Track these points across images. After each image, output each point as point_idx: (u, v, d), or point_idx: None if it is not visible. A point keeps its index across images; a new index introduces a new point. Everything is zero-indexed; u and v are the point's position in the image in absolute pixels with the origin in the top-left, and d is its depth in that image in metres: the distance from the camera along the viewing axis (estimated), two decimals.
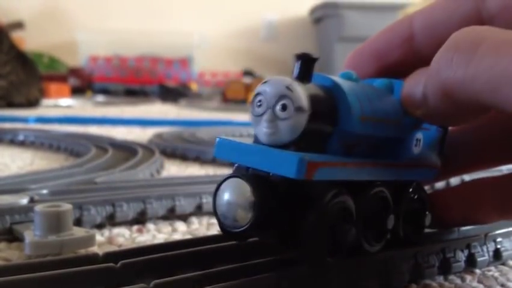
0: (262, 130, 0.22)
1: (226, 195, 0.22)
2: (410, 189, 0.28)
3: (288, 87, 0.21)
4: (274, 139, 0.22)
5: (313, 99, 0.22)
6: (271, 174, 0.22)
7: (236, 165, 0.24)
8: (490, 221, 0.30)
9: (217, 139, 0.23)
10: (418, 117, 0.25)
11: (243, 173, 0.23)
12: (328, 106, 0.23)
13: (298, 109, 0.21)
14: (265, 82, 0.22)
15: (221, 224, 0.23)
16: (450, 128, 0.29)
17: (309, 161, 0.20)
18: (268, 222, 0.22)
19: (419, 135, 0.27)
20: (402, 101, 0.26)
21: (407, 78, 0.26)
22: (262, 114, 0.22)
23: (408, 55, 0.27)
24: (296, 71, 0.22)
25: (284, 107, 0.21)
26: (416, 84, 0.24)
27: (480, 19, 0.25)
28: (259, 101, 0.22)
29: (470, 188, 0.30)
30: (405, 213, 0.27)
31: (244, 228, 0.22)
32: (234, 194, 0.22)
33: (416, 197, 0.28)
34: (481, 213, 0.29)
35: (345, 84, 0.24)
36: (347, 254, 0.24)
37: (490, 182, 0.29)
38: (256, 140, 0.23)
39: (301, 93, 0.21)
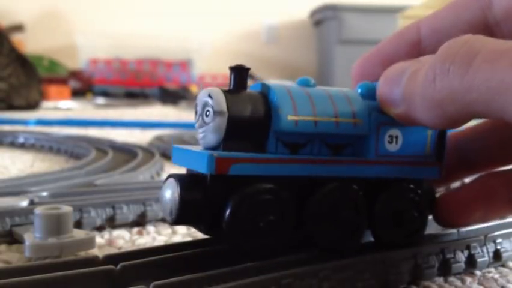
0: (198, 136, 0.25)
1: (163, 193, 0.25)
2: (397, 190, 0.28)
3: (209, 95, 0.24)
4: (205, 142, 0.25)
5: (234, 103, 0.24)
6: (200, 173, 0.24)
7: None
8: (500, 216, 0.30)
9: (173, 147, 0.27)
10: (392, 116, 0.25)
11: (179, 173, 0.26)
12: (254, 108, 0.25)
13: (217, 113, 0.24)
14: (199, 92, 0.25)
15: (164, 216, 0.26)
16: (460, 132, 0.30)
17: (218, 157, 0.23)
18: (196, 216, 0.24)
19: (395, 131, 0.27)
20: (379, 100, 0.25)
21: (383, 74, 0.25)
22: (197, 121, 0.25)
23: None
24: (231, 81, 0.25)
25: (208, 113, 0.24)
26: (394, 83, 0.24)
27: (486, 25, 0.25)
28: (196, 110, 0.25)
29: (484, 184, 0.30)
30: (386, 214, 0.28)
31: (174, 219, 0.24)
32: (168, 191, 0.25)
33: (407, 197, 0.28)
34: (498, 207, 0.29)
35: (277, 88, 0.25)
36: (275, 247, 0.25)
37: (504, 176, 0.29)
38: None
39: (220, 98, 0.24)
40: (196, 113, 0.25)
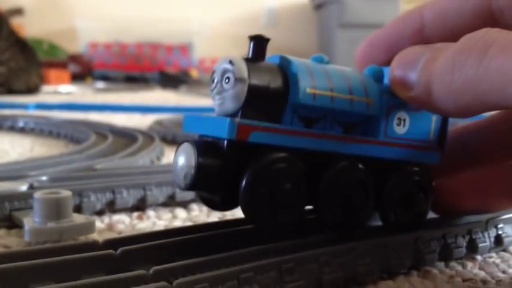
0: (215, 102, 0.25)
1: (177, 158, 0.25)
2: (405, 172, 0.28)
3: (230, 62, 0.24)
4: (223, 109, 0.25)
5: (256, 72, 0.24)
6: (218, 139, 0.24)
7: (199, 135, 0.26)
8: (501, 208, 0.30)
9: (185, 115, 0.26)
10: (404, 99, 0.25)
11: (194, 138, 0.25)
12: (274, 79, 0.25)
13: (238, 80, 0.24)
14: (218, 61, 0.25)
15: (175, 182, 0.25)
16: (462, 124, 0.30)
17: (240, 123, 0.23)
18: (212, 181, 0.24)
19: (403, 114, 0.27)
20: (391, 82, 0.26)
21: (397, 56, 0.25)
22: (214, 88, 0.25)
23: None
24: (249, 50, 0.25)
25: (228, 79, 0.24)
26: (410, 66, 0.24)
27: (490, 13, 0.25)
28: (213, 77, 0.25)
29: (481, 175, 0.30)
30: (396, 197, 0.28)
31: (188, 185, 0.24)
32: (182, 156, 0.25)
33: (413, 180, 0.28)
34: (492, 200, 0.29)
35: (296, 60, 0.25)
36: (296, 218, 0.25)
37: (501, 169, 0.30)
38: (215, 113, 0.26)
39: (242, 66, 0.24)
40: (213, 80, 0.25)
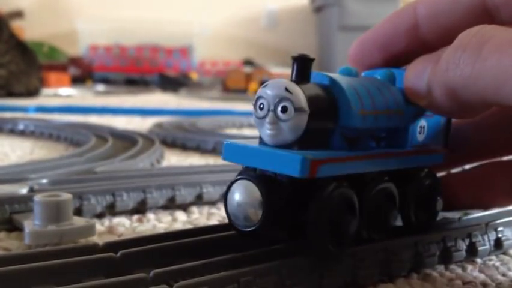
0: (266, 132, 0.23)
1: (236, 196, 0.23)
2: (421, 177, 0.28)
3: (287, 89, 0.22)
4: (278, 140, 0.23)
5: (312, 99, 0.23)
6: (277, 174, 0.23)
7: (244, 166, 0.25)
8: (499, 204, 0.31)
9: (225, 143, 0.24)
10: (422, 107, 0.26)
11: (250, 174, 0.24)
12: (328, 104, 0.24)
13: (299, 110, 0.22)
14: (265, 85, 0.23)
15: (232, 224, 0.24)
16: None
17: (312, 160, 0.22)
18: (277, 220, 0.23)
19: (423, 122, 0.28)
20: (406, 92, 0.26)
21: (408, 67, 0.26)
22: (264, 117, 0.23)
23: (413, 44, 0.27)
24: (294, 72, 0.23)
25: (285, 109, 0.22)
26: (419, 75, 0.25)
27: (485, 8, 0.25)
28: (261, 103, 0.23)
29: (480, 171, 0.30)
30: (415, 200, 0.28)
31: (255, 227, 0.23)
32: (243, 195, 0.23)
33: (427, 183, 0.28)
34: (490, 196, 0.30)
35: (343, 80, 0.24)
36: (349, 245, 0.25)
37: (500, 166, 0.30)
38: (262, 141, 0.24)
39: (300, 94, 0.22)
40: (260, 107, 0.23)
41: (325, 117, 0.24)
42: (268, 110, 0.23)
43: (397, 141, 0.27)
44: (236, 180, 0.24)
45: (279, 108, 0.22)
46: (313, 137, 0.23)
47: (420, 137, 0.28)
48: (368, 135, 0.26)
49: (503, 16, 0.25)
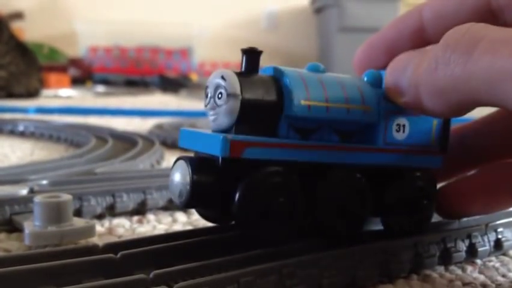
0: (209, 118, 0.25)
1: (173, 175, 0.25)
2: (407, 179, 0.28)
3: (222, 77, 0.24)
4: (217, 125, 0.25)
5: (248, 86, 0.24)
6: (213, 156, 0.24)
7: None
8: (506, 207, 0.30)
9: (180, 129, 0.26)
10: (400, 105, 0.25)
11: (189, 156, 0.25)
12: (268, 92, 0.25)
13: (231, 96, 0.24)
14: (211, 75, 0.25)
15: (172, 199, 0.25)
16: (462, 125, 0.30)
17: (233, 140, 0.23)
18: (207, 198, 0.24)
19: (402, 120, 0.27)
20: (386, 89, 0.26)
21: (390, 64, 0.26)
22: (207, 104, 0.25)
23: (419, 47, 0.27)
24: (243, 64, 0.25)
25: (220, 95, 0.24)
26: (400, 72, 0.25)
27: (490, 10, 0.25)
28: (207, 93, 0.25)
29: (490, 175, 0.30)
30: (396, 203, 0.28)
31: (183, 202, 0.24)
32: (177, 173, 0.25)
33: (416, 186, 0.28)
34: (498, 200, 0.29)
35: (290, 72, 0.25)
36: (286, 233, 0.25)
37: (506, 169, 0.29)
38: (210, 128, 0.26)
39: (234, 81, 0.24)
40: (206, 95, 0.25)
41: (262, 104, 0.24)
42: (210, 97, 0.25)
43: (367, 138, 0.27)
44: (176, 161, 0.25)
45: (217, 95, 0.24)
46: (253, 124, 0.24)
47: (399, 135, 0.27)
48: (326, 128, 0.26)
49: (507, 17, 0.25)
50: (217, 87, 0.24)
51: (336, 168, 0.26)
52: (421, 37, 0.27)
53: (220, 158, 0.24)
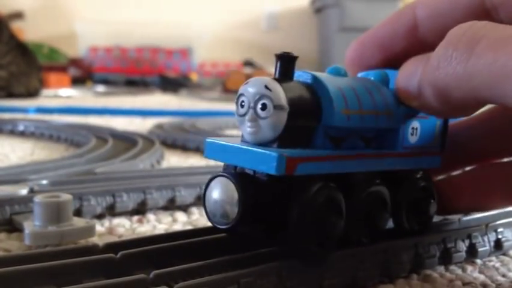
0: (246, 129, 0.23)
1: (214, 194, 0.23)
2: (413, 180, 0.28)
3: (266, 87, 0.22)
4: (258, 137, 0.23)
5: (293, 97, 0.23)
6: (256, 172, 0.23)
7: (225, 164, 0.25)
8: (499, 206, 0.31)
9: (206, 141, 0.25)
10: (413, 108, 0.25)
11: (229, 171, 0.24)
12: (309, 102, 0.23)
13: (278, 107, 0.22)
14: (247, 83, 0.23)
15: (211, 220, 0.24)
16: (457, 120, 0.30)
17: (289, 157, 0.21)
18: (256, 218, 0.23)
19: (416, 123, 0.27)
20: (397, 92, 0.26)
21: (400, 68, 0.26)
22: (245, 114, 0.23)
23: (413, 45, 0.27)
24: (277, 70, 0.23)
25: (264, 106, 0.22)
26: (411, 75, 0.25)
27: (484, 8, 0.25)
28: (242, 101, 0.23)
29: (481, 173, 0.30)
30: (408, 204, 0.28)
31: (231, 224, 0.23)
32: (221, 192, 0.23)
33: (420, 186, 0.28)
34: (491, 198, 0.29)
35: (327, 79, 0.24)
36: (335, 246, 0.24)
37: (502, 168, 0.30)
38: (243, 139, 0.24)
39: (280, 92, 0.22)
40: (241, 104, 0.23)
41: (306, 115, 0.23)
42: (249, 107, 0.23)
43: (387, 143, 0.27)
44: (214, 178, 0.24)
45: (259, 106, 0.23)
46: (294, 135, 0.23)
47: (413, 139, 0.27)
48: (355, 136, 0.26)
49: (501, 16, 0.25)
50: (260, 97, 0.23)
51: (361, 177, 0.26)
52: (415, 35, 0.27)
53: (266, 174, 0.22)
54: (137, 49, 2.88)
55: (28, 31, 2.67)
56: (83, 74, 2.61)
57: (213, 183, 0.24)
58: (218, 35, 3.08)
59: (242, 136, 0.24)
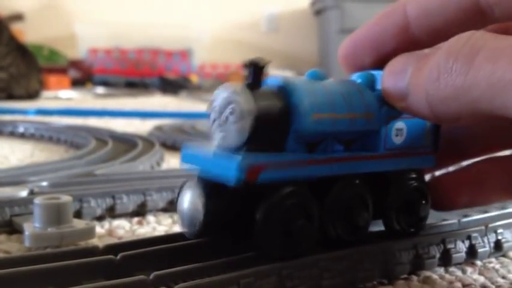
0: (217, 134, 0.24)
1: (182, 202, 0.24)
2: (403, 181, 0.28)
3: (234, 93, 0.23)
4: (227, 142, 0.23)
5: (261, 102, 0.23)
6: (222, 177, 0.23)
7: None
8: (499, 200, 0.31)
9: (182, 148, 0.25)
10: (398, 109, 0.25)
11: (197, 177, 0.24)
12: (278, 108, 0.24)
13: (245, 112, 0.23)
14: (218, 89, 0.24)
15: (181, 227, 0.25)
16: None
17: (250, 165, 0.22)
18: (222, 224, 0.23)
19: (401, 124, 0.27)
20: (383, 93, 0.25)
21: (387, 66, 0.25)
22: (215, 120, 0.24)
23: (404, 44, 0.27)
24: (247, 77, 0.24)
25: (232, 111, 0.23)
26: (398, 76, 0.24)
27: (478, 7, 0.25)
28: (214, 106, 0.24)
29: (479, 168, 0.30)
30: (397, 205, 0.28)
31: (197, 232, 0.23)
32: (188, 199, 0.24)
33: (412, 187, 0.28)
34: (488, 193, 0.29)
35: (299, 84, 0.24)
36: (309, 249, 0.25)
37: (499, 162, 0.29)
38: (216, 144, 0.24)
39: (247, 98, 0.23)
40: (213, 109, 0.24)
41: (274, 120, 0.24)
42: (219, 112, 0.23)
43: (368, 145, 0.27)
44: (184, 184, 0.24)
45: (228, 111, 0.23)
46: (263, 141, 0.23)
47: (398, 140, 0.27)
48: (331, 139, 0.26)
49: (496, 14, 0.24)
50: (228, 102, 0.23)
51: (340, 179, 0.26)
52: (406, 34, 0.27)
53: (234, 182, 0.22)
54: (137, 51, 2.88)
55: (28, 33, 2.67)
56: (83, 75, 2.61)
57: (182, 191, 0.24)
58: (218, 36, 3.09)
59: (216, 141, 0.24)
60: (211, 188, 0.23)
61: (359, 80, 0.27)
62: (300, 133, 0.24)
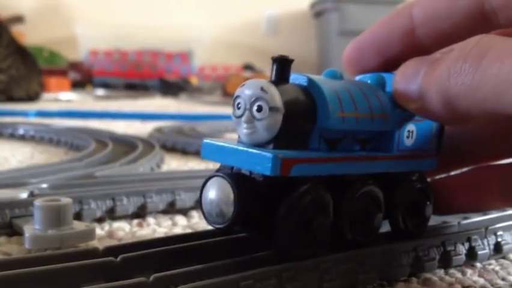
0: (242, 131, 0.24)
1: (210, 194, 0.24)
2: (409, 182, 0.28)
3: (262, 89, 0.23)
4: (253, 138, 0.23)
5: (288, 99, 0.23)
6: (251, 172, 0.23)
7: (221, 164, 0.25)
8: (496, 207, 0.31)
9: (203, 141, 0.25)
10: (410, 110, 0.26)
11: (225, 171, 0.24)
12: (305, 104, 0.24)
13: (273, 109, 0.23)
14: (243, 85, 0.24)
15: (207, 220, 0.24)
16: None
17: (284, 158, 0.22)
18: (250, 218, 0.23)
19: (411, 126, 0.27)
20: (395, 95, 0.26)
21: (398, 69, 0.26)
22: (241, 116, 0.24)
23: (409, 48, 0.27)
24: (273, 73, 0.24)
25: (260, 108, 0.23)
26: (411, 78, 0.25)
27: (483, 13, 0.25)
28: (239, 103, 0.24)
29: (477, 174, 0.30)
30: (404, 206, 0.28)
31: (227, 223, 0.23)
32: (217, 192, 0.23)
33: (417, 188, 0.28)
34: (487, 199, 0.30)
35: (323, 82, 0.24)
36: (324, 248, 0.25)
37: (498, 169, 0.30)
38: (240, 140, 0.24)
39: (275, 94, 0.23)
40: (238, 106, 0.24)
41: (301, 117, 0.24)
42: (245, 109, 0.23)
43: (383, 145, 0.27)
44: (211, 178, 0.24)
45: (255, 107, 0.23)
46: (290, 137, 0.24)
47: (409, 142, 0.27)
48: (350, 138, 0.26)
49: (501, 20, 0.25)
50: (256, 99, 0.23)
51: (357, 179, 0.26)
52: (412, 38, 0.27)
53: (262, 175, 0.23)
54: (137, 53, 2.88)
55: (28, 35, 2.68)
56: (83, 77, 2.62)
57: (209, 183, 0.24)
58: (218, 38, 3.09)
59: (239, 137, 0.25)
60: (241, 180, 0.23)
61: (369, 81, 0.27)
62: (325, 131, 0.24)
